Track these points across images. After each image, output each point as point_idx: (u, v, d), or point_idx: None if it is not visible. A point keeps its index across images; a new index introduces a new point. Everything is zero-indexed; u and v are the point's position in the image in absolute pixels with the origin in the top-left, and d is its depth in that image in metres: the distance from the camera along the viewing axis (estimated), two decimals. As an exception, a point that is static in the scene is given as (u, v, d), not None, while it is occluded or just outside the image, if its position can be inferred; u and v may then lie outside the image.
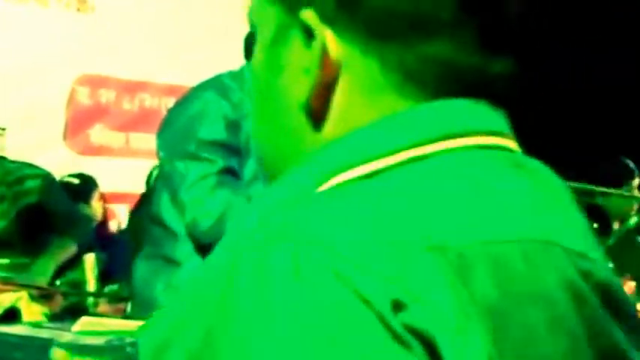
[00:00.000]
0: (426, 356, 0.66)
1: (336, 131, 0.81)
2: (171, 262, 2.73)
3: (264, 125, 0.88)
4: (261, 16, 0.87)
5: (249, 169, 2.68)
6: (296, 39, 0.82)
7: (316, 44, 0.80)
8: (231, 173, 2.66)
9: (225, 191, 2.60)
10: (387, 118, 0.79)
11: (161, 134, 2.83)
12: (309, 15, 0.81)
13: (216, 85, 2.75)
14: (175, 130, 2.75)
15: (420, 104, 0.79)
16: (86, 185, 5.34)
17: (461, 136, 0.77)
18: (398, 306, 0.66)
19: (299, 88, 0.82)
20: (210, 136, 2.66)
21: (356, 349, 0.65)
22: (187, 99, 2.80)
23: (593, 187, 3.08)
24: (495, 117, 0.81)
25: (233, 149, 2.67)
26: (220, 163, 2.63)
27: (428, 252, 0.69)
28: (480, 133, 0.79)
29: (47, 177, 3.89)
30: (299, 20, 0.81)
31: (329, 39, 0.80)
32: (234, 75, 2.79)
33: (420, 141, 0.76)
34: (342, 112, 0.82)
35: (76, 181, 5.27)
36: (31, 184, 3.76)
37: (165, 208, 2.77)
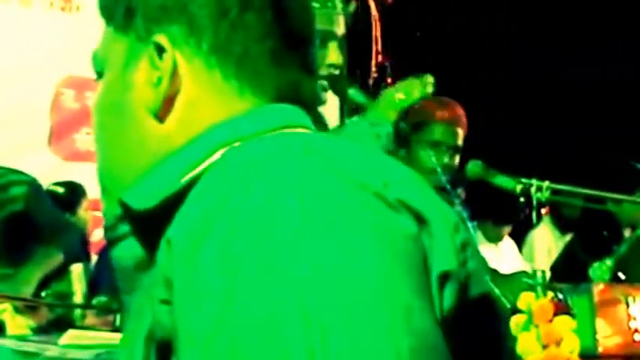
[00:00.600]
0: (415, 221, 0.94)
1: (182, 128, 1.07)
2: None
3: (112, 138, 1.12)
4: (110, 51, 1.13)
5: None
6: (144, 61, 1.09)
7: (167, 62, 1.08)
8: None
9: None
10: (251, 112, 1.07)
11: None
12: (162, 39, 1.08)
13: None
14: None
15: (268, 104, 1.08)
16: (73, 194, 5.26)
17: (294, 127, 1.06)
18: (387, 185, 0.94)
19: (148, 98, 1.08)
20: None
21: (361, 215, 0.90)
22: None
23: (605, 194, 3.02)
24: (307, 117, 1.11)
25: None
26: None
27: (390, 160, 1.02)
28: (304, 127, 1.08)
29: (33, 183, 3.82)
30: (152, 44, 1.08)
31: (179, 58, 1.08)
32: None
33: (275, 128, 1.05)
34: (188, 112, 1.08)
35: (60, 189, 5.19)
36: (16, 191, 3.71)
37: None
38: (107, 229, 1.11)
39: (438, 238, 0.95)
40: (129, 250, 1.08)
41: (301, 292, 0.84)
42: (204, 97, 1.08)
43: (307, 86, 1.13)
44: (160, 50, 1.08)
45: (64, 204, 4.98)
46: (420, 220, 0.95)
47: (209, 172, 0.99)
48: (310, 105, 1.13)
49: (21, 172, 3.85)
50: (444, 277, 0.95)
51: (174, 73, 1.08)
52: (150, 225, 1.02)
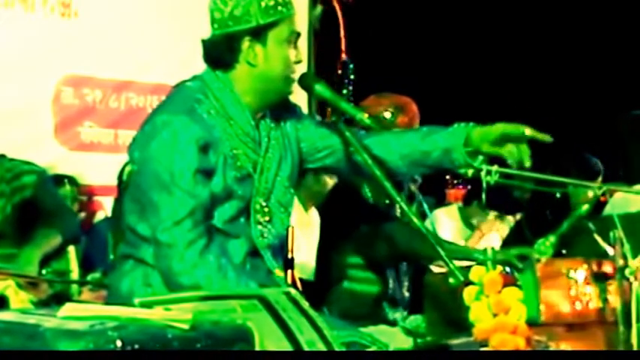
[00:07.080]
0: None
1: None
2: (143, 262, 2.70)
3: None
4: None
5: (218, 185, 2.63)
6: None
7: None
8: (201, 206, 2.59)
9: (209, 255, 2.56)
10: None
11: (136, 147, 2.69)
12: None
13: (187, 105, 2.64)
14: (149, 151, 2.61)
15: None
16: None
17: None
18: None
19: None
20: (184, 165, 2.56)
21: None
22: (158, 122, 2.63)
23: (552, 177, 3.03)
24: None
25: (205, 172, 2.60)
26: (191, 202, 2.56)
27: None
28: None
29: (42, 173, 3.95)
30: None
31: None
32: (200, 85, 2.69)
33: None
34: None
35: None
36: (27, 179, 3.83)
37: (133, 218, 2.71)
38: None
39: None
40: None
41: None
42: None
43: None
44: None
45: None
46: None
47: None
48: None
49: (32, 163, 3.96)
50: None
51: None
52: None
